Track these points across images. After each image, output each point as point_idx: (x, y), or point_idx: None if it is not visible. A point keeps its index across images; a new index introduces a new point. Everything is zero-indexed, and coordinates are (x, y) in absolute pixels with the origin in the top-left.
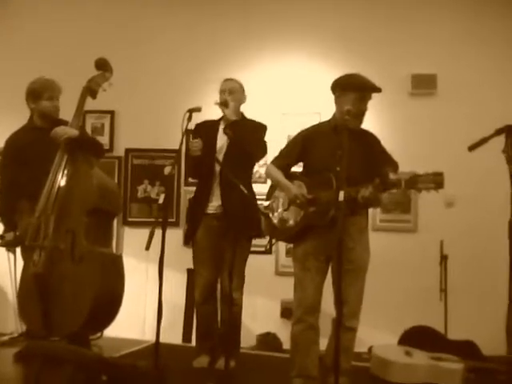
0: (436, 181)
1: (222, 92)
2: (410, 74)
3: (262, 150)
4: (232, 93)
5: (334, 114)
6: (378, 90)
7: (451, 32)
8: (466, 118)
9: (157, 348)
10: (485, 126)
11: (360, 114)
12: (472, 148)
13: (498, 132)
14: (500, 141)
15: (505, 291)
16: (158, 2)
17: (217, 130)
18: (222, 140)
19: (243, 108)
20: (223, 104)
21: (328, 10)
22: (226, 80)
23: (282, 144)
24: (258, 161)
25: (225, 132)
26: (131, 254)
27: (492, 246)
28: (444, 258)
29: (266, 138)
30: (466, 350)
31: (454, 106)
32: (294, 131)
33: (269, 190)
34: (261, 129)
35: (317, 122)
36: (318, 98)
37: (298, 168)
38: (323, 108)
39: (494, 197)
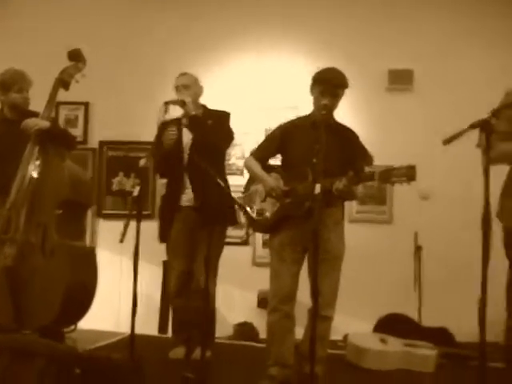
0: (408, 174)
1: (176, 88)
2: (387, 69)
3: (229, 138)
4: (186, 88)
5: (313, 109)
6: (342, 85)
7: (427, 28)
8: (442, 112)
9: (132, 340)
10: (459, 121)
11: (325, 109)
12: (446, 142)
13: (473, 126)
14: (474, 135)
15: (477, 281)
16: None
17: (181, 126)
18: (186, 136)
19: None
20: (178, 103)
21: (307, 6)
22: (180, 75)
23: (260, 137)
24: (226, 149)
25: (186, 127)
26: (106, 247)
27: (465, 238)
28: (418, 249)
29: (243, 131)
30: (439, 336)
31: (429, 101)
32: (272, 125)
33: (247, 182)
34: (224, 117)
35: (294, 116)
36: (295, 92)
37: (276, 161)
38: (301, 102)
39: (467, 190)
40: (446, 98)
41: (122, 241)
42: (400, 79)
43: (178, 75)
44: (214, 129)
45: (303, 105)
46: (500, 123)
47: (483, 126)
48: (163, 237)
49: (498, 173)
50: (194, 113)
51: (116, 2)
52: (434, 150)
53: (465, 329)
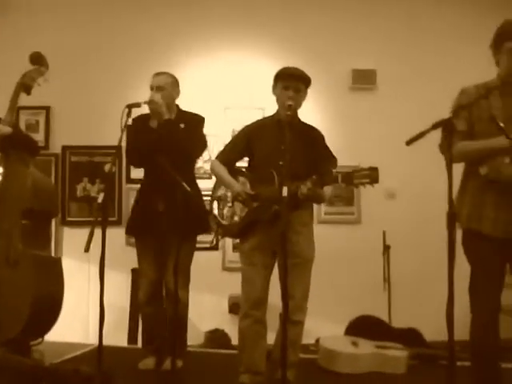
0: (371, 176)
1: (151, 88)
2: (351, 68)
3: (201, 146)
4: (161, 89)
5: (278, 109)
6: (302, 77)
7: (389, 29)
8: (405, 112)
9: (100, 351)
10: (423, 121)
11: (290, 110)
12: (410, 142)
13: (435, 126)
14: (437, 134)
15: (445, 279)
16: None
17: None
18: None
19: (185, 100)
20: (149, 104)
21: (272, 6)
22: (155, 75)
23: (226, 138)
24: (198, 157)
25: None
26: (72, 255)
27: (432, 236)
28: (387, 249)
29: (210, 133)
30: (409, 337)
31: (392, 101)
32: (238, 126)
33: (214, 186)
34: (198, 122)
35: (261, 117)
36: (261, 93)
37: (243, 163)
38: (267, 103)
39: (432, 188)
40: (408, 97)
41: (86, 250)
42: (363, 79)
43: (153, 74)
44: (186, 134)
45: (270, 106)
46: (458, 123)
47: (445, 125)
48: (130, 230)
49: (461, 171)
50: (166, 117)
51: (79, 5)
52: (398, 149)
53: (434, 327)
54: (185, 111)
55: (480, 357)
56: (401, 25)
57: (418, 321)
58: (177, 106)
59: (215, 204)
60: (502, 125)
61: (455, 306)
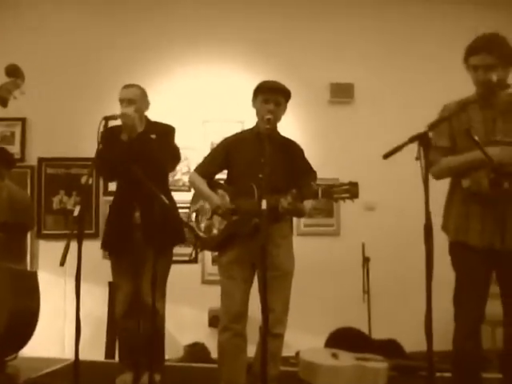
0: (351, 191)
1: (120, 102)
2: (329, 82)
3: (175, 157)
4: (132, 102)
5: (257, 122)
6: (282, 90)
7: (367, 43)
8: (382, 125)
9: (76, 366)
10: (400, 134)
11: (269, 124)
12: (386, 156)
13: (411, 140)
14: (414, 148)
15: (424, 290)
16: (74, 7)
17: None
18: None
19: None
20: (122, 118)
21: (251, 20)
22: (125, 87)
23: (205, 151)
24: (172, 168)
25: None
26: (48, 269)
27: (410, 248)
28: (366, 261)
29: (188, 146)
30: (389, 348)
31: (370, 115)
32: (217, 139)
33: (192, 198)
34: (169, 133)
35: (240, 130)
36: (240, 106)
37: (222, 175)
38: (246, 116)
39: (410, 201)
40: (385, 111)
41: (62, 263)
42: (341, 92)
43: (123, 87)
44: (158, 146)
45: (249, 119)
46: (441, 139)
47: (421, 139)
48: (106, 245)
49: (438, 184)
50: (139, 130)
51: (56, 17)
52: (376, 162)
53: (413, 338)
54: (154, 122)
55: (461, 366)
56: (378, 39)
57: (398, 332)
58: (145, 116)
59: (193, 216)
60: (476, 138)
61: (434, 317)
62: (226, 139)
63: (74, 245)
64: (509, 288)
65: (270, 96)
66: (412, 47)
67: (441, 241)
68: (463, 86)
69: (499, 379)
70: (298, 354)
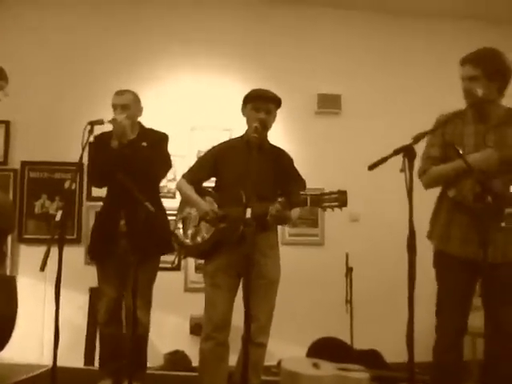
0: (340, 199)
1: (113, 108)
2: (316, 93)
3: (166, 165)
4: (125, 108)
5: (247, 130)
6: (272, 99)
7: (354, 55)
8: (368, 137)
9: (54, 372)
10: (386, 145)
11: (262, 123)
12: (372, 167)
13: (396, 152)
14: (399, 160)
15: (406, 301)
16: (62, 10)
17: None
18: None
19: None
20: (114, 125)
21: (240, 29)
22: (118, 93)
23: (192, 159)
24: (163, 176)
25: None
26: (28, 273)
27: (393, 259)
28: (349, 271)
29: (175, 153)
30: (370, 359)
31: (357, 126)
32: (204, 146)
33: (179, 206)
34: (161, 140)
35: (228, 138)
36: (228, 114)
37: (210, 183)
38: (234, 124)
39: (394, 212)
40: (372, 123)
41: (42, 269)
42: (329, 103)
43: (115, 92)
44: (149, 154)
45: (236, 127)
46: (433, 149)
47: (406, 151)
48: (92, 256)
49: (423, 196)
50: (131, 137)
51: (43, 20)
52: (361, 173)
53: (395, 349)
54: (148, 129)
55: (441, 379)
56: (366, 52)
57: (380, 342)
58: (139, 123)
59: (180, 224)
60: (460, 150)
61: (415, 328)
62: (216, 147)
63: (55, 250)
64: (490, 300)
65: (261, 104)
66: (399, 60)
67: (424, 252)
68: (449, 98)
69: None
70: (279, 363)
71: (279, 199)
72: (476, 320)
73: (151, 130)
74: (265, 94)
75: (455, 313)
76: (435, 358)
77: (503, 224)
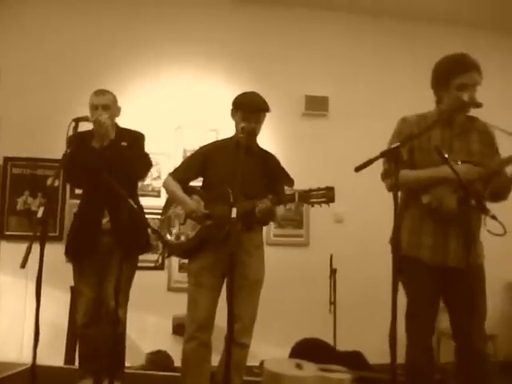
0: (327, 195)
1: (93, 108)
2: (304, 95)
3: (146, 164)
4: (106, 109)
5: (236, 132)
6: (262, 110)
7: (342, 57)
8: (355, 139)
9: (33, 371)
10: (372, 148)
11: (250, 132)
12: (358, 169)
13: (383, 154)
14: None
15: (389, 303)
16: (49, 8)
17: (92, 146)
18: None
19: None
20: (98, 125)
21: (228, 30)
22: (98, 93)
23: (177, 157)
24: (143, 176)
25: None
26: (9, 271)
27: (377, 261)
28: (333, 272)
29: (160, 152)
30: (353, 360)
31: (344, 128)
32: (190, 145)
33: (165, 205)
34: (138, 140)
35: (214, 138)
36: (214, 114)
37: (197, 182)
38: (220, 124)
39: (378, 214)
40: (358, 125)
41: (23, 266)
42: (316, 105)
43: (95, 92)
44: (129, 154)
45: (223, 127)
46: (401, 151)
47: (392, 154)
48: (71, 252)
49: None
50: (112, 137)
51: (28, 15)
52: (347, 175)
53: (378, 350)
54: (124, 128)
55: (415, 379)
56: (353, 54)
57: (363, 344)
58: (115, 123)
59: (165, 222)
60: (446, 155)
61: (398, 330)
62: (204, 146)
63: (36, 247)
64: (456, 304)
65: (251, 115)
66: (386, 63)
67: None
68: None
69: None
70: (262, 363)
71: (268, 196)
72: None
73: (127, 130)
74: (255, 105)
75: (425, 317)
76: (408, 360)
77: (488, 229)
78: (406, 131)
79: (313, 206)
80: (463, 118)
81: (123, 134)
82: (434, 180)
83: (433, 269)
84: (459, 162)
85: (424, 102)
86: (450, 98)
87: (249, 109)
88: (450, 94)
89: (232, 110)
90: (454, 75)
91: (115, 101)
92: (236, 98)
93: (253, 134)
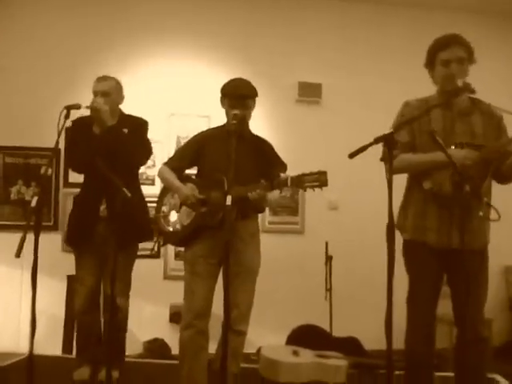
0: (320, 179)
1: (94, 94)
2: (297, 81)
3: (146, 151)
4: (106, 95)
5: (227, 120)
6: (249, 96)
7: (335, 44)
8: (349, 125)
9: (30, 360)
10: (366, 134)
11: (241, 119)
12: (352, 155)
13: (377, 141)
14: (380, 148)
15: (385, 289)
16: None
17: (92, 131)
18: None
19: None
20: (92, 111)
21: (221, 17)
22: (100, 79)
23: (170, 145)
24: (143, 163)
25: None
26: (4, 261)
27: (373, 247)
28: (329, 259)
29: (154, 139)
30: (349, 346)
31: (337, 115)
32: (183, 133)
33: (160, 193)
34: (141, 127)
35: (206, 126)
36: (207, 101)
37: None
38: (213, 111)
39: (374, 201)
40: (352, 112)
41: (17, 255)
42: (309, 92)
43: (97, 78)
44: (130, 140)
45: (216, 114)
46: (401, 134)
47: (386, 140)
48: (70, 242)
49: (403, 185)
50: (110, 123)
51: (19, 4)
52: (341, 161)
53: (374, 336)
54: (128, 115)
55: (414, 365)
56: (346, 41)
57: (359, 330)
58: (119, 109)
59: (160, 210)
60: (439, 140)
61: (394, 316)
62: (197, 135)
63: (31, 237)
64: (461, 288)
65: (238, 102)
66: (379, 49)
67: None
68: (429, 87)
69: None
70: (259, 350)
71: (262, 181)
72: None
73: (131, 116)
74: (241, 93)
75: (427, 302)
76: (407, 345)
77: (481, 213)
78: (408, 115)
79: (305, 190)
80: (466, 101)
81: (126, 120)
82: (433, 165)
83: (437, 252)
84: (453, 147)
85: (417, 89)
86: (438, 75)
87: (236, 95)
88: (437, 72)
89: (220, 97)
90: (438, 52)
91: (118, 87)
92: (223, 86)
93: (243, 120)
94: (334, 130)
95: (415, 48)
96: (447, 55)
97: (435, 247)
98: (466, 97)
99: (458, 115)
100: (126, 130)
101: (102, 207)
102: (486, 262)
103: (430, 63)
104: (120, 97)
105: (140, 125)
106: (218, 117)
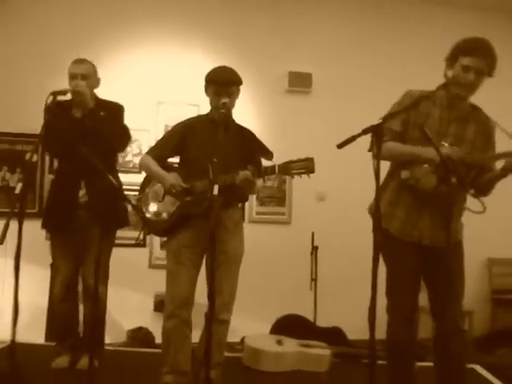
0: (307, 166)
1: (72, 76)
2: (288, 71)
3: (125, 136)
4: (86, 78)
5: (211, 109)
6: (234, 82)
7: (326, 34)
8: (338, 116)
9: (12, 348)
10: (355, 125)
11: (225, 108)
12: (341, 146)
13: (365, 131)
14: (367, 139)
15: (369, 280)
16: None
17: (72, 115)
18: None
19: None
20: (76, 94)
21: (212, 6)
22: (77, 61)
23: (159, 133)
24: (122, 148)
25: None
26: None
27: (358, 238)
28: (315, 249)
29: (142, 127)
30: (333, 336)
31: (326, 105)
32: (171, 121)
33: (142, 183)
34: (118, 112)
35: (195, 114)
36: (196, 89)
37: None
38: (202, 100)
39: (360, 192)
40: (342, 102)
41: (1, 242)
42: (300, 82)
43: (73, 61)
44: (109, 124)
45: (205, 103)
46: (395, 122)
47: (375, 131)
48: (46, 224)
49: None
50: (90, 106)
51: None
52: (330, 152)
53: (357, 326)
54: (103, 100)
55: (395, 356)
56: (337, 31)
57: (343, 320)
58: (94, 94)
59: (143, 200)
60: (429, 134)
61: (378, 306)
62: (180, 123)
63: (15, 224)
64: (434, 282)
65: (222, 89)
66: (370, 40)
67: None
68: (419, 78)
69: None
70: (243, 340)
71: (249, 167)
72: None
73: (106, 101)
74: (225, 79)
75: (405, 293)
76: (389, 337)
77: (466, 205)
78: (405, 104)
79: (293, 177)
80: (467, 105)
81: (102, 105)
82: (417, 158)
83: (410, 245)
84: (446, 144)
85: (407, 80)
86: (454, 74)
87: (220, 82)
88: (454, 71)
89: (205, 85)
90: (463, 54)
91: (94, 71)
92: (208, 73)
93: (227, 108)
94: (324, 120)
95: (406, 40)
96: (468, 62)
97: (400, 238)
98: (469, 102)
99: (456, 118)
100: (102, 114)
101: (82, 192)
102: (462, 255)
103: (451, 60)
104: (96, 81)
105: (117, 109)
106: (207, 106)
